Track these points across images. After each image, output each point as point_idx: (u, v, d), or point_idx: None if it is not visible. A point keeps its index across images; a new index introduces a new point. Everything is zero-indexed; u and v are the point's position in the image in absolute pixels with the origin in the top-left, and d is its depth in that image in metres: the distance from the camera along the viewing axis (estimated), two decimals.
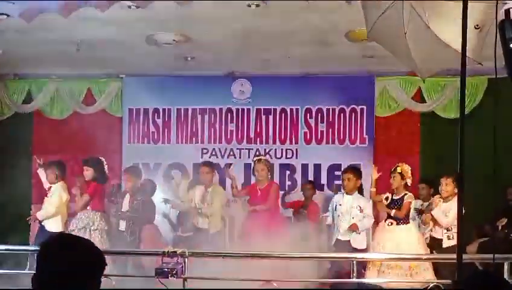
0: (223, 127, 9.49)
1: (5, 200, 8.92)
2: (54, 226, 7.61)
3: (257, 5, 6.32)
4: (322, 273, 6.63)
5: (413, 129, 9.19)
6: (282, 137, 9.40)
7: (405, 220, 7.10)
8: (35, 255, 2.23)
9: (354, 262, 5.85)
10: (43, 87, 9.70)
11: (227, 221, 8.45)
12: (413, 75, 7.86)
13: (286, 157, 9.36)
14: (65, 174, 7.96)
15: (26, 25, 6.42)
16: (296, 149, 9.35)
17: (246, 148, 9.40)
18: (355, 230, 7.14)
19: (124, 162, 9.26)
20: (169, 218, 8.63)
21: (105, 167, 7.99)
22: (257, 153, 8.81)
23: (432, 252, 7.06)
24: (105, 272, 2.24)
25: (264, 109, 9.43)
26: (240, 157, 9.36)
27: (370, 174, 7.62)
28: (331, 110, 9.31)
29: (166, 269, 5.45)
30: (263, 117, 9.44)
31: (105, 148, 8.73)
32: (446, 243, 7.03)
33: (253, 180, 8.20)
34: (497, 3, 3.42)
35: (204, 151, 9.45)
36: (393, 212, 7.13)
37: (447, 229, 7.01)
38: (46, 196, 7.93)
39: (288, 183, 9.19)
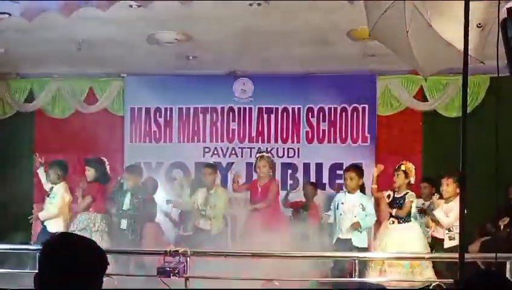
0: (225, 126, 9.49)
1: (7, 199, 8.92)
2: (56, 227, 7.61)
3: (258, 4, 6.32)
4: (324, 273, 6.62)
5: (415, 128, 9.18)
6: (284, 136, 9.40)
7: (406, 218, 7.11)
8: (37, 254, 2.23)
9: (356, 261, 5.85)
10: (45, 86, 9.71)
11: (229, 221, 8.45)
12: (415, 73, 7.87)
13: (288, 156, 9.35)
14: (67, 174, 7.96)
15: (28, 24, 6.41)
16: (298, 148, 9.35)
17: (247, 147, 9.39)
18: (357, 228, 7.14)
19: (126, 161, 9.26)
20: (171, 217, 8.63)
21: (107, 167, 8.00)
22: (260, 150, 8.80)
23: (432, 252, 7.06)
24: (107, 271, 2.24)
25: (265, 107, 9.43)
26: (241, 156, 9.35)
27: (372, 172, 7.62)
28: (332, 109, 9.30)
29: (168, 268, 5.45)
30: (265, 116, 9.44)
31: (107, 147, 8.75)
32: (447, 244, 7.02)
33: (255, 177, 8.20)
34: (499, 2, 3.41)
35: (206, 150, 9.45)
36: (394, 211, 7.13)
37: (449, 230, 7.01)
38: (47, 195, 7.94)
39: (290, 182, 9.18)
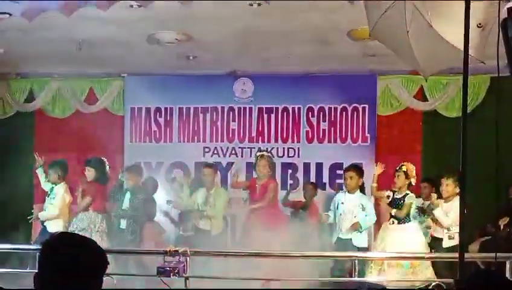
0: (225, 125, 9.49)
1: (7, 199, 8.93)
2: (56, 227, 7.60)
3: (259, 4, 6.32)
4: (324, 273, 6.62)
5: (415, 128, 9.18)
6: (284, 136, 9.40)
7: (406, 219, 7.11)
8: (37, 254, 2.23)
9: (356, 261, 5.85)
10: (45, 86, 9.71)
11: (229, 221, 8.45)
12: (415, 73, 7.86)
13: (288, 156, 9.35)
14: (67, 174, 7.96)
15: (28, 24, 6.42)
16: (298, 148, 9.35)
17: (248, 147, 9.39)
18: (357, 229, 7.14)
19: (126, 161, 9.26)
20: (171, 217, 8.62)
21: (107, 167, 8.00)
22: (260, 149, 8.81)
23: (431, 252, 7.06)
24: (107, 271, 2.24)
25: (266, 107, 9.43)
26: (241, 156, 9.35)
27: (372, 172, 7.61)
28: (333, 109, 9.30)
29: (168, 268, 5.46)
30: (265, 116, 9.44)
31: (107, 147, 8.76)
32: (447, 243, 7.02)
33: (255, 176, 8.20)
34: (499, 2, 3.41)
35: (206, 150, 9.45)
36: (394, 211, 7.13)
37: (448, 229, 7.01)
38: (47, 196, 7.93)
39: (290, 182, 9.17)
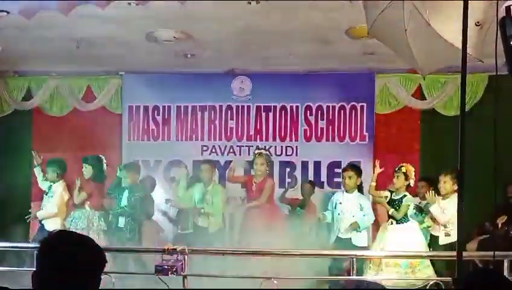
0: (223, 124, 9.48)
1: (5, 198, 8.93)
2: (54, 225, 7.61)
3: (257, 3, 6.31)
4: (322, 272, 6.62)
5: (413, 126, 9.18)
6: (282, 134, 9.40)
7: (403, 219, 7.11)
8: (35, 252, 2.23)
9: (354, 259, 5.85)
10: (43, 84, 9.69)
11: (226, 220, 8.45)
12: (414, 72, 7.86)
13: (286, 155, 9.35)
14: (65, 172, 7.96)
15: (26, 22, 6.40)
16: (296, 146, 9.34)
17: (246, 146, 9.39)
18: (356, 228, 7.14)
19: (124, 159, 9.24)
20: (169, 215, 8.62)
21: (105, 165, 7.99)
22: (258, 147, 8.81)
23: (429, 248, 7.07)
24: (105, 269, 2.24)
25: (264, 106, 9.43)
26: (239, 155, 9.34)
27: (371, 170, 7.61)
28: (331, 107, 9.30)
29: (166, 267, 5.46)
30: (263, 114, 9.44)
31: (105, 145, 8.75)
32: (443, 240, 7.04)
33: (252, 173, 8.20)
34: (497, 0, 3.41)
35: (204, 148, 9.45)
36: (391, 211, 7.13)
37: (445, 226, 7.03)
38: (45, 194, 7.93)
39: (288, 180, 9.17)
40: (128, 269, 6.88)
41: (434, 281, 6.09)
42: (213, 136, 9.50)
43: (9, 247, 6.62)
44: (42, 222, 7.80)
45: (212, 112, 9.49)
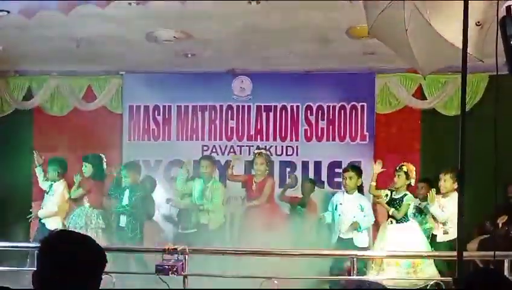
0: (224, 124, 9.49)
1: (6, 197, 8.93)
2: (55, 224, 7.62)
3: (258, 2, 6.31)
4: (323, 273, 6.61)
5: (413, 126, 9.18)
6: (283, 134, 9.40)
7: (403, 219, 7.10)
8: (36, 252, 2.23)
9: (355, 260, 5.85)
10: (44, 83, 9.69)
11: (227, 218, 8.44)
12: (414, 72, 7.87)
13: (286, 155, 9.35)
14: (66, 172, 7.96)
15: (27, 21, 6.41)
16: (297, 146, 9.34)
17: (246, 145, 9.39)
18: (356, 228, 7.13)
19: (124, 159, 9.24)
20: (170, 216, 8.61)
21: (105, 163, 7.99)
22: (258, 147, 8.80)
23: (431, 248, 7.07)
24: (106, 269, 2.24)
25: (264, 106, 9.43)
26: (240, 154, 9.34)
27: (371, 170, 7.59)
28: (331, 107, 9.30)
29: (166, 266, 5.46)
30: (263, 114, 9.44)
31: (105, 145, 8.75)
32: (441, 238, 7.05)
33: (253, 173, 8.20)
34: (498, 0, 3.41)
35: (205, 148, 9.44)
36: (391, 211, 7.12)
37: (443, 224, 7.03)
38: (46, 193, 7.93)
39: (288, 180, 9.17)
40: (129, 269, 6.88)
41: (435, 281, 6.08)
42: (213, 136, 9.50)
43: (9, 247, 6.61)
44: (42, 221, 7.80)
45: (213, 112, 9.49)
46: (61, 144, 9.09)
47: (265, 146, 9.10)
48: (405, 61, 4.87)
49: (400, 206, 7.08)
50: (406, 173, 7.14)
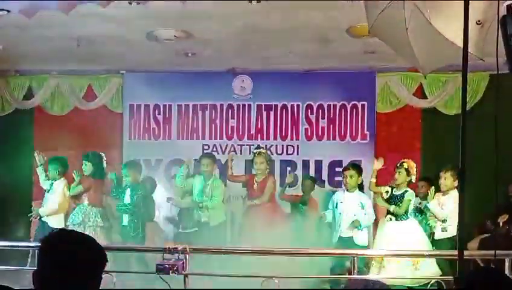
0: (224, 123, 9.49)
1: (6, 196, 8.93)
2: (56, 222, 7.62)
3: (258, 1, 6.31)
4: (324, 273, 6.61)
5: (414, 125, 9.18)
6: (283, 133, 9.40)
7: (404, 216, 7.10)
8: (36, 251, 2.23)
9: (355, 258, 5.84)
10: (44, 83, 9.70)
11: (228, 216, 8.44)
12: (415, 71, 7.87)
13: (287, 154, 9.35)
14: (67, 171, 7.96)
15: (27, 21, 6.41)
16: (297, 145, 9.35)
17: (246, 145, 9.39)
18: (357, 226, 7.12)
19: (125, 158, 9.24)
20: (170, 217, 8.61)
21: (105, 162, 7.98)
22: (258, 146, 8.79)
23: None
24: (107, 268, 2.24)
25: (265, 105, 9.43)
26: (240, 153, 9.35)
27: (372, 169, 7.57)
28: (332, 106, 9.30)
29: (167, 265, 5.45)
30: (264, 113, 9.44)
31: (105, 144, 8.76)
32: (439, 235, 7.06)
33: (253, 172, 8.19)
34: None
35: (205, 147, 9.45)
36: (392, 207, 7.11)
37: (442, 221, 7.03)
38: (46, 191, 7.93)
39: (287, 178, 9.14)
40: (130, 268, 6.87)
41: (436, 279, 6.08)
42: (214, 135, 9.50)
43: (9, 246, 6.61)
44: (42, 219, 7.79)
45: (213, 111, 9.49)
46: (61, 143, 9.09)
47: (266, 145, 9.10)
48: (406, 60, 4.87)
49: (401, 203, 7.07)
50: (407, 170, 7.13)
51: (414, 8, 3.89)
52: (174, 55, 8.56)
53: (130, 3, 6.30)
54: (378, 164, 7.38)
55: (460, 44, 3.49)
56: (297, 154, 9.34)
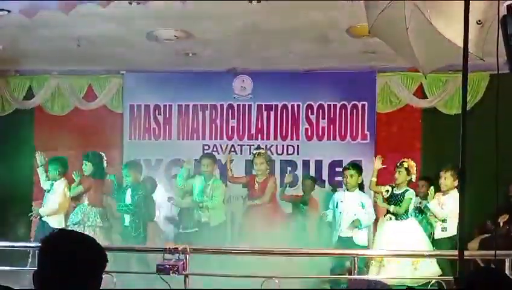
0: (224, 123, 9.49)
1: (6, 197, 8.93)
2: (56, 222, 7.62)
3: (258, 1, 6.31)
4: (324, 274, 6.61)
5: (414, 125, 9.18)
6: (284, 133, 9.39)
7: (404, 216, 7.09)
8: (36, 251, 2.23)
9: (355, 259, 5.84)
10: (44, 83, 9.70)
11: (229, 217, 8.44)
12: (415, 71, 7.86)
13: (287, 154, 9.35)
14: (67, 171, 7.96)
15: (27, 21, 6.42)
16: (298, 145, 9.34)
17: (247, 145, 9.38)
18: (357, 225, 7.12)
19: (125, 158, 9.24)
20: (171, 217, 8.61)
21: (105, 162, 7.98)
22: (258, 147, 8.79)
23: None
24: (107, 268, 2.24)
25: (265, 105, 9.42)
26: (241, 153, 9.35)
27: (372, 169, 7.58)
28: (332, 106, 9.30)
29: (167, 266, 5.45)
30: (264, 113, 9.43)
31: (106, 144, 8.76)
32: (438, 235, 7.06)
33: (254, 173, 8.18)
34: None
35: (206, 147, 9.44)
36: (392, 207, 7.10)
37: (442, 221, 7.03)
38: (47, 191, 7.93)
39: (286, 178, 9.13)
40: (130, 268, 6.87)
41: (436, 279, 6.08)
42: (214, 135, 9.50)
43: (10, 246, 6.61)
44: (42, 219, 7.79)
45: (214, 111, 9.49)
46: (62, 143, 9.08)
47: (266, 145, 9.10)
48: (406, 60, 4.87)
49: (401, 202, 7.07)
50: (407, 169, 7.13)
51: (414, 8, 3.89)
52: (174, 55, 8.56)
53: (130, 3, 6.30)
54: (378, 163, 7.38)
55: (461, 44, 3.49)
56: (298, 154, 9.33)
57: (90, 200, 7.77)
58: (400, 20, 3.97)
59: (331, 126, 9.29)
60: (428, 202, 7.19)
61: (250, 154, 8.96)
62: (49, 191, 7.89)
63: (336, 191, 8.06)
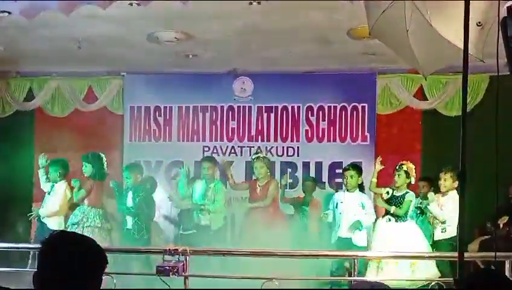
0: (225, 125, 9.48)
1: (7, 198, 8.93)
2: (56, 224, 7.62)
3: (258, 3, 6.31)
4: (324, 274, 6.61)
5: (414, 127, 9.18)
6: (284, 135, 9.39)
7: (403, 218, 7.09)
8: (37, 252, 2.23)
9: (355, 260, 5.84)
10: (45, 84, 9.71)
11: (230, 219, 8.43)
12: (415, 72, 7.84)
13: (287, 155, 9.35)
14: (68, 172, 7.96)
15: (28, 22, 6.42)
16: (298, 147, 9.34)
17: (247, 146, 9.39)
18: (358, 227, 7.12)
19: (125, 160, 9.25)
20: (171, 218, 8.60)
21: (105, 163, 7.98)
22: (257, 151, 8.79)
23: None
24: (107, 269, 2.24)
25: (265, 106, 9.43)
26: (241, 155, 9.35)
27: (372, 171, 7.58)
28: (332, 107, 9.30)
29: (167, 267, 5.45)
30: (264, 115, 9.43)
31: (106, 146, 8.75)
32: (438, 236, 7.06)
33: (254, 177, 8.18)
34: (499, 1, 3.41)
35: (206, 149, 9.44)
36: (392, 208, 7.10)
37: (442, 223, 7.04)
38: (47, 193, 7.93)
39: (289, 181, 9.15)
40: (130, 270, 6.86)
41: (436, 281, 6.07)
42: (214, 136, 9.50)
43: (9, 247, 6.61)
44: (42, 220, 7.79)
45: (214, 113, 9.49)
46: (62, 145, 9.09)
47: (266, 147, 9.10)
48: (406, 61, 4.87)
49: (401, 204, 7.07)
50: (406, 172, 7.14)
51: (414, 9, 3.89)
52: (175, 56, 8.57)
53: (131, 4, 6.31)
54: (378, 165, 7.39)
55: (461, 45, 3.49)
56: (298, 155, 9.33)
57: (90, 202, 7.77)
58: (400, 22, 3.97)
59: (331, 128, 9.29)
60: (428, 203, 7.19)
61: (250, 155, 8.97)
62: (49, 192, 7.90)
63: (336, 191, 8.06)
